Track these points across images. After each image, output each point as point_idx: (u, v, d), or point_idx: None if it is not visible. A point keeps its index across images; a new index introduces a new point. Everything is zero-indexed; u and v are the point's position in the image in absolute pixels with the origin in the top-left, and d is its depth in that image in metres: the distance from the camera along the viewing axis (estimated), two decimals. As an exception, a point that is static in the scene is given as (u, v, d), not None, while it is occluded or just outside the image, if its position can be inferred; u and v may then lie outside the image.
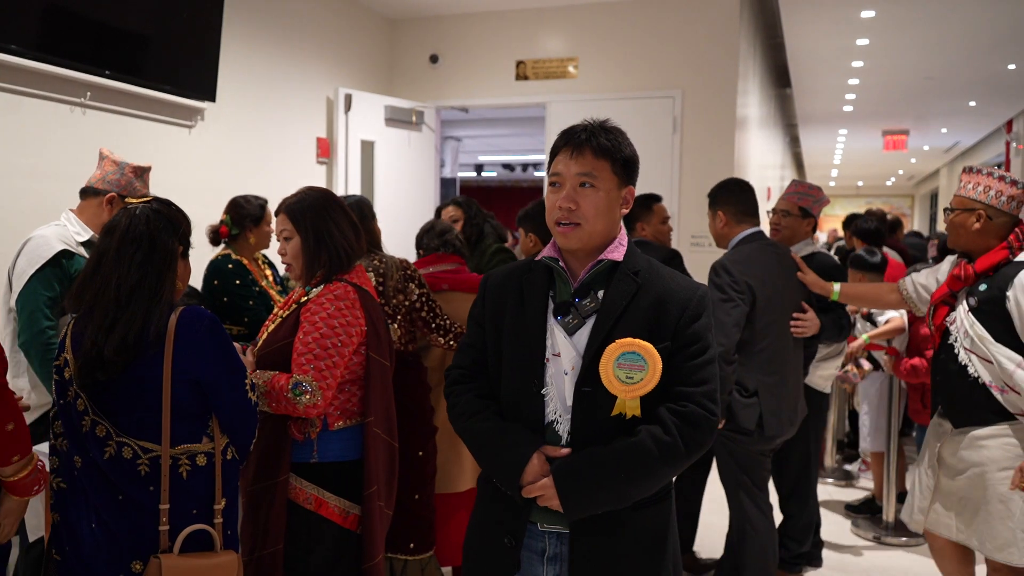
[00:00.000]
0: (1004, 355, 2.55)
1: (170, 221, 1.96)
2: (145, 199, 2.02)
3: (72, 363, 1.87)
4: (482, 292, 1.87)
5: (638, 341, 1.63)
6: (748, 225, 3.25)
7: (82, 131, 3.94)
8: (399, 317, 2.79)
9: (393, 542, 2.81)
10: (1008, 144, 12.39)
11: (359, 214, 2.81)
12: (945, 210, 2.81)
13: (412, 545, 2.87)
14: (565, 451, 1.68)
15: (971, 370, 2.63)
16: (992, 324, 2.58)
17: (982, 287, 2.63)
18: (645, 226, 3.88)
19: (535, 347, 1.71)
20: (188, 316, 1.88)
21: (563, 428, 1.69)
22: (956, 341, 2.68)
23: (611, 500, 1.66)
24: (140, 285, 1.86)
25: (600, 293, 1.71)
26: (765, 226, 3.57)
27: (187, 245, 2.02)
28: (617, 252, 1.74)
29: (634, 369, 1.62)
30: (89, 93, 3.94)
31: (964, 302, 2.68)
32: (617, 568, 1.70)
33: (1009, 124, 12.27)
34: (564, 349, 1.69)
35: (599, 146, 1.70)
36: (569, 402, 1.69)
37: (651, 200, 3.95)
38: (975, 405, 2.62)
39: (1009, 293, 2.55)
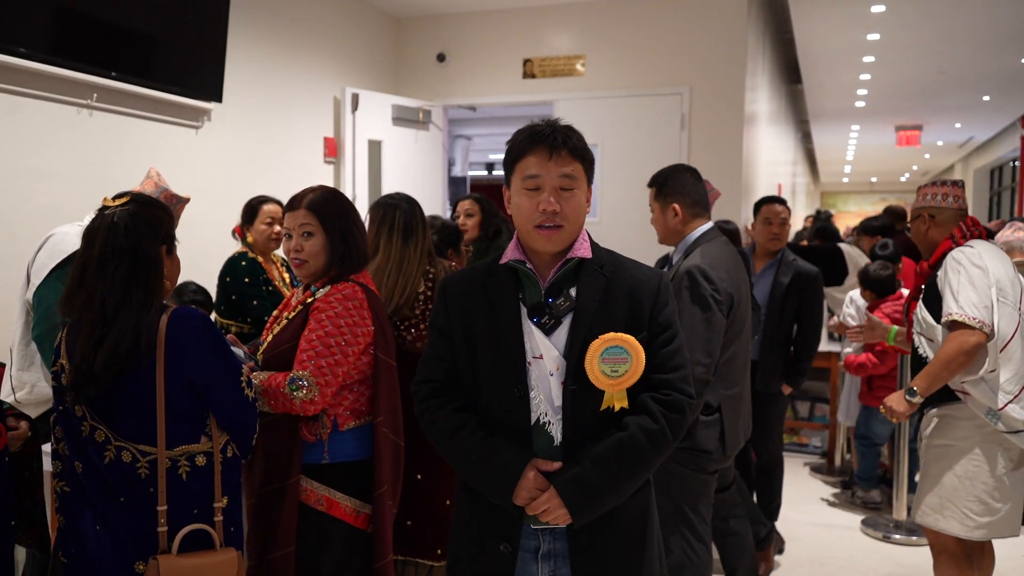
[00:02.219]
0: (941, 334, 2.75)
1: (150, 224, 1.90)
2: (122, 198, 1.95)
3: (68, 369, 1.86)
4: (443, 300, 1.81)
5: (619, 335, 1.65)
6: (703, 220, 2.83)
7: (89, 133, 3.97)
8: None
9: (420, 548, 2.82)
10: (1023, 138, 12.28)
11: (422, 222, 2.82)
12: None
13: (439, 551, 2.85)
14: (556, 465, 1.68)
15: (921, 351, 2.86)
16: (934, 306, 2.80)
17: (932, 276, 2.87)
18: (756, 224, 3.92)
19: (515, 352, 1.69)
20: (178, 317, 1.87)
21: (555, 429, 1.69)
22: (916, 327, 2.91)
23: (613, 500, 1.69)
24: (126, 301, 1.83)
25: (572, 291, 1.71)
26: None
27: (171, 242, 1.98)
28: (584, 249, 1.74)
29: (618, 362, 1.64)
30: (96, 95, 3.96)
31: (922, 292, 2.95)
32: (612, 555, 1.72)
33: (1023, 118, 12.16)
34: (545, 351, 1.69)
35: (575, 147, 1.70)
36: (557, 403, 1.69)
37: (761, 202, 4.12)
38: None
39: (939, 273, 2.79)
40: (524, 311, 1.72)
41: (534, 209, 1.68)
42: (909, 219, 3.13)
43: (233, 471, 2.00)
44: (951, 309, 2.67)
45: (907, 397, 2.79)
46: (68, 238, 2.78)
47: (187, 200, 3.05)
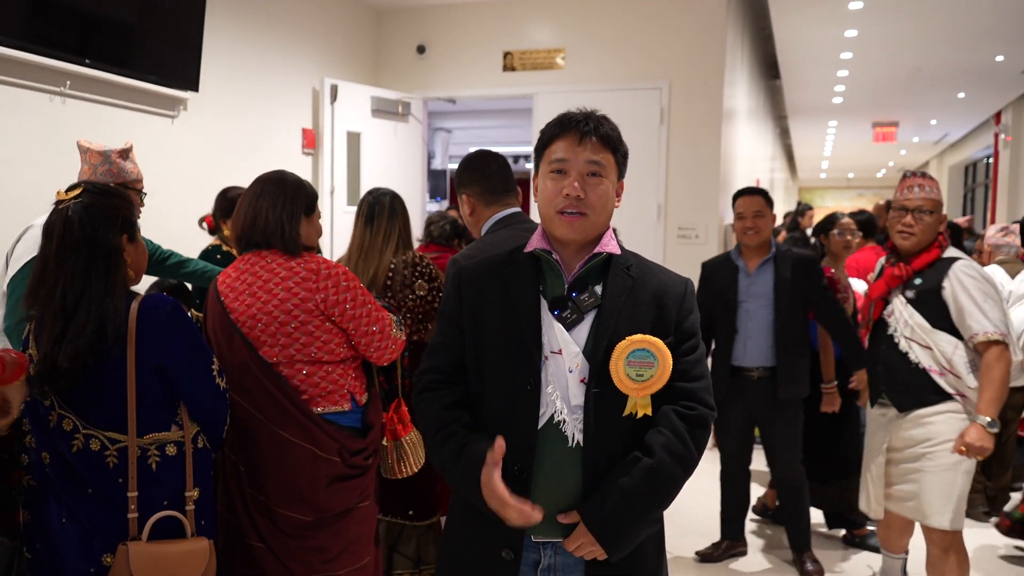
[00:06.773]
0: (943, 340, 2.85)
1: (106, 214, 1.87)
2: (75, 189, 1.91)
3: (36, 359, 1.83)
4: (456, 286, 1.71)
5: (647, 337, 1.58)
6: (501, 207, 2.54)
7: (61, 121, 3.90)
8: (403, 310, 2.91)
9: (393, 507, 2.94)
10: (996, 136, 12.43)
11: (391, 211, 2.97)
12: (912, 211, 2.90)
13: (411, 512, 2.97)
14: (573, 515, 1.58)
15: (911, 356, 2.90)
16: (930, 313, 2.87)
17: (917, 281, 2.91)
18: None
19: (531, 344, 1.60)
20: (149, 304, 1.86)
21: (570, 428, 1.59)
22: (896, 331, 2.95)
23: (648, 529, 1.63)
24: (86, 294, 1.81)
25: (597, 288, 1.63)
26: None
27: (131, 230, 1.93)
28: (612, 245, 1.67)
29: (644, 366, 1.56)
30: (69, 82, 3.90)
31: (900, 296, 2.96)
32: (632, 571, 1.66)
33: (998, 116, 12.31)
34: (564, 345, 1.59)
35: (606, 136, 1.64)
36: (575, 402, 1.60)
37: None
38: (917, 388, 2.89)
39: (945, 283, 2.83)
40: (544, 303, 1.63)
41: (557, 193, 1.62)
42: (916, 206, 2.89)
43: (204, 463, 1.98)
44: (986, 328, 2.74)
45: (990, 430, 2.72)
46: None
47: (130, 147, 2.90)
